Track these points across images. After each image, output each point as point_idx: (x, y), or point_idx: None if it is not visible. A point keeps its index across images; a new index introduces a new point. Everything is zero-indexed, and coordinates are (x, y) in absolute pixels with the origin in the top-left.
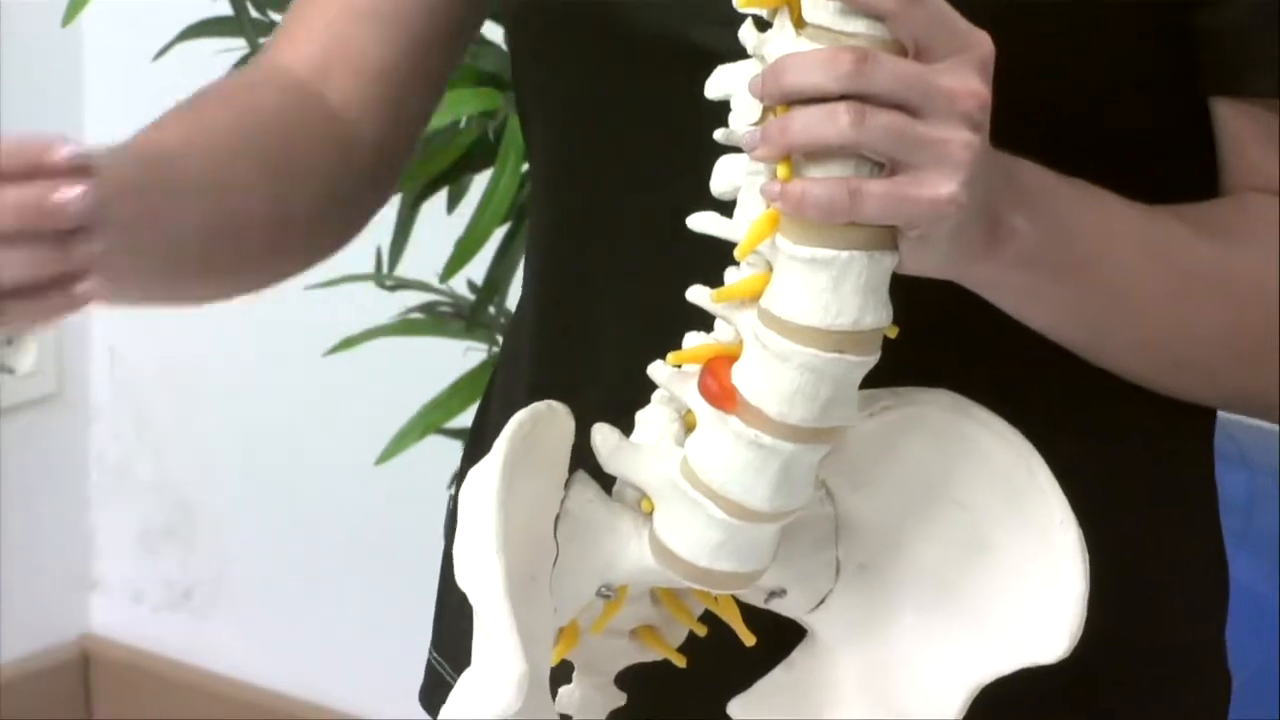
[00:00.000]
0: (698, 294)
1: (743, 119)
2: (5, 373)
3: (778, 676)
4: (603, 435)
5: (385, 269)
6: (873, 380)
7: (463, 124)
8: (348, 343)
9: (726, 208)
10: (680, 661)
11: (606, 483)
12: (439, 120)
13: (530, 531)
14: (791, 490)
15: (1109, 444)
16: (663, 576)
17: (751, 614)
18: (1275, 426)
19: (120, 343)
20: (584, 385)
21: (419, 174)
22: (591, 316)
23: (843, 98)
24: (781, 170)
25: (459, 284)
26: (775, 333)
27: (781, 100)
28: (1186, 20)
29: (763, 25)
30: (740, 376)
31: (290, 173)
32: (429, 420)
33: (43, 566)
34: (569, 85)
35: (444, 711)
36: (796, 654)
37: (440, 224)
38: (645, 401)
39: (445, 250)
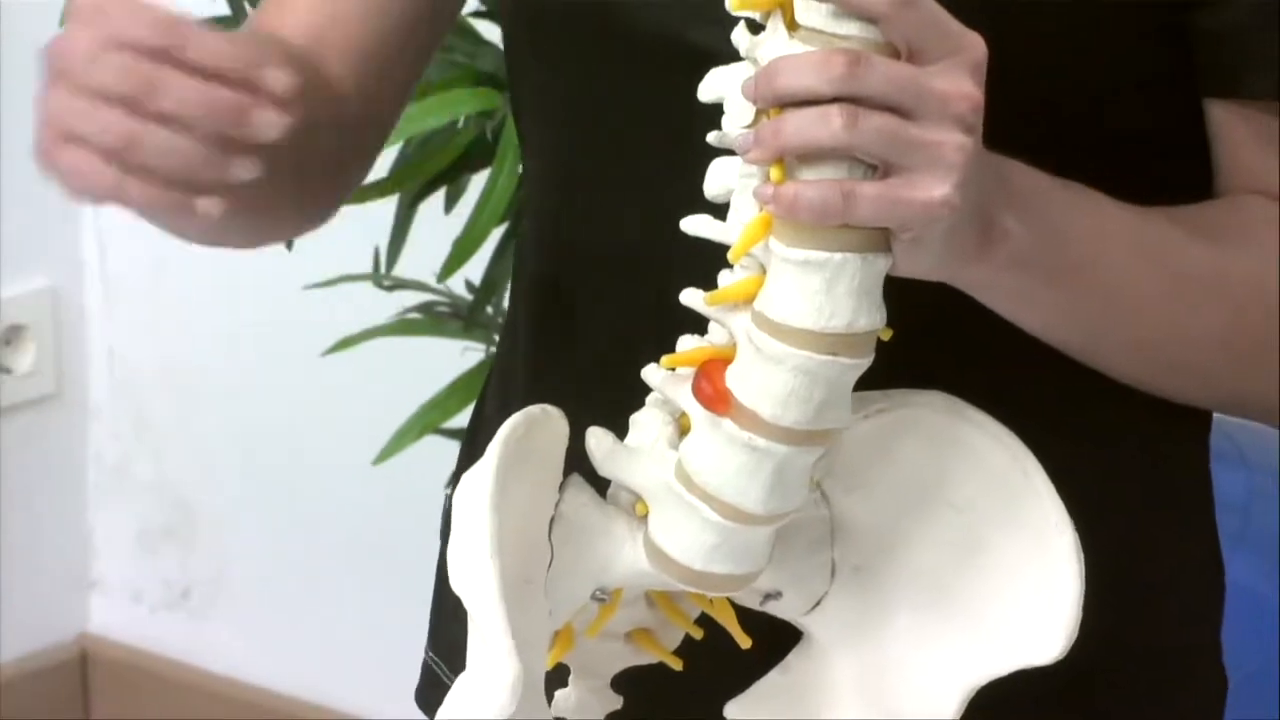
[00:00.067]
0: (691, 297)
1: (736, 121)
2: (3, 372)
3: (774, 679)
4: (597, 438)
5: (383, 269)
6: (867, 382)
7: (460, 124)
8: (346, 343)
9: (721, 210)
10: (676, 664)
11: (601, 486)
12: (437, 120)
13: (525, 535)
14: (785, 493)
15: (1104, 446)
16: (658, 579)
17: (747, 616)
18: (1271, 426)
19: (119, 343)
20: (578, 387)
21: (417, 174)
22: (585, 318)
23: (835, 100)
24: (774, 173)
25: (457, 284)
26: (769, 335)
27: (774, 103)
28: (1184, 21)
29: (756, 28)
30: (734, 379)
31: (313, 122)
32: (427, 420)
33: (41, 566)
34: (565, 85)
35: (439, 714)
36: (792, 656)
37: (438, 224)
38: (639, 404)
39: (443, 250)
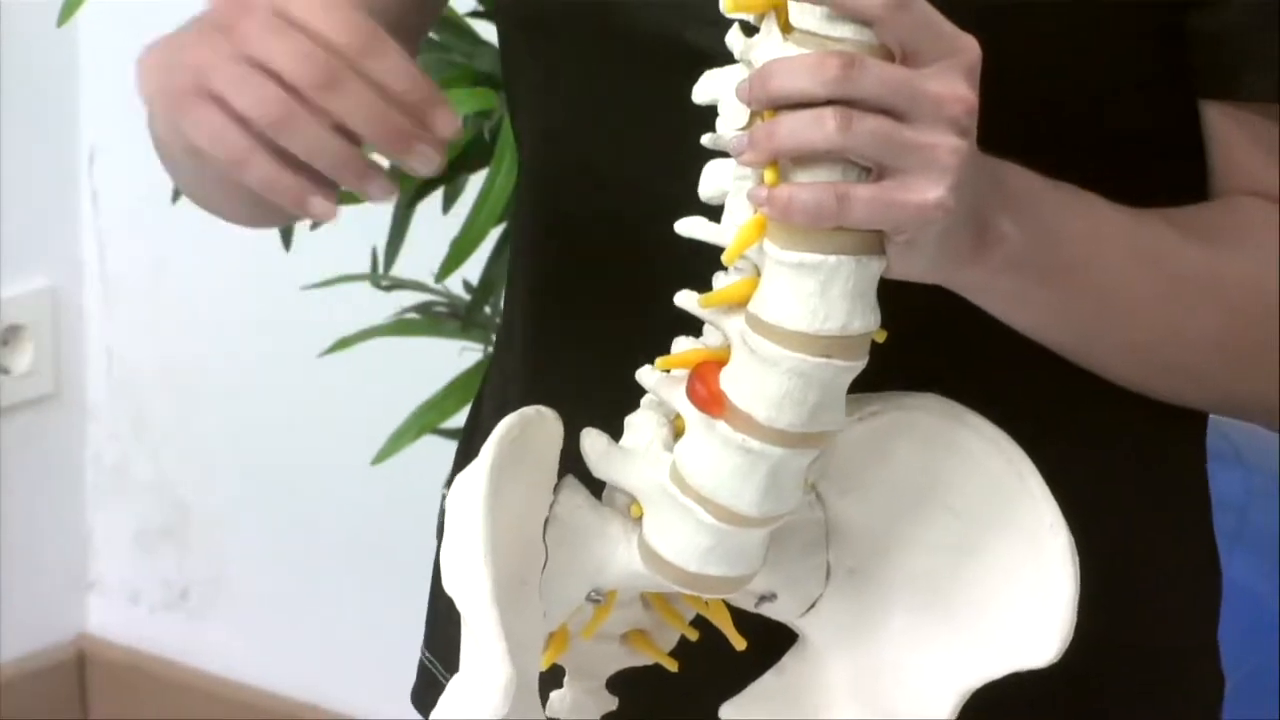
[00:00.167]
0: (686, 299)
1: (730, 124)
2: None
3: (769, 681)
4: (591, 440)
5: (381, 269)
6: (862, 384)
7: None
8: (343, 343)
9: (715, 212)
10: (671, 666)
11: (596, 487)
12: None
13: (519, 536)
14: (780, 495)
15: (1100, 447)
16: (652, 581)
17: (742, 618)
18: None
19: (117, 343)
20: (574, 388)
21: None
22: (579, 319)
23: (829, 103)
24: (769, 175)
25: (454, 284)
26: (763, 338)
27: (768, 105)
28: (1179, 22)
29: (750, 30)
30: (728, 381)
31: None
32: (425, 420)
33: (40, 567)
34: (560, 85)
35: (432, 716)
36: (787, 658)
37: (436, 224)
38: (634, 406)
39: (441, 250)
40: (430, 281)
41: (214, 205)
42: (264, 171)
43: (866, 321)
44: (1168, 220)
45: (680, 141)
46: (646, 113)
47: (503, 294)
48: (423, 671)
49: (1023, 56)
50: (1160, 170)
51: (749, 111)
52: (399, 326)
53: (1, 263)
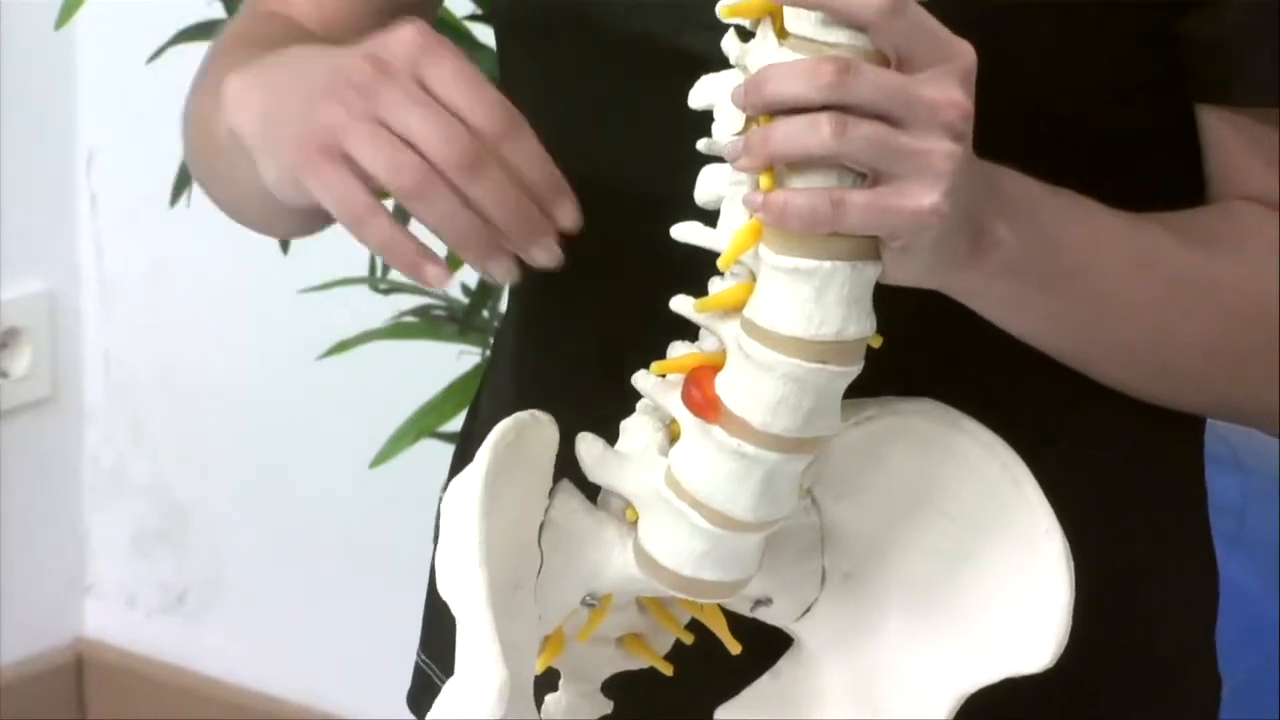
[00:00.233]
0: (681, 304)
1: (726, 129)
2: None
3: (764, 684)
4: (587, 444)
5: (379, 272)
6: (858, 389)
7: None
8: (341, 346)
9: (711, 216)
10: (667, 669)
11: (591, 492)
12: None
13: (514, 540)
14: (775, 500)
15: (1096, 452)
16: (647, 585)
17: (738, 621)
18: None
19: (115, 346)
20: (568, 393)
21: None
22: (576, 322)
23: (825, 108)
24: (764, 180)
25: (453, 288)
26: (758, 343)
27: (763, 110)
28: (1173, 26)
29: (745, 35)
30: (724, 386)
31: None
32: (423, 424)
33: (37, 570)
34: (557, 90)
35: (428, 718)
36: (783, 662)
37: None
38: (630, 410)
39: (439, 253)
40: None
41: (247, 218)
42: (384, 234)
43: (862, 327)
44: (1164, 225)
45: (676, 146)
46: (642, 117)
47: (500, 298)
48: (418, 674)
49: (1018, 61)
50: (1156, 174)
51: (744, 117)
52: (397, 330)
53: None
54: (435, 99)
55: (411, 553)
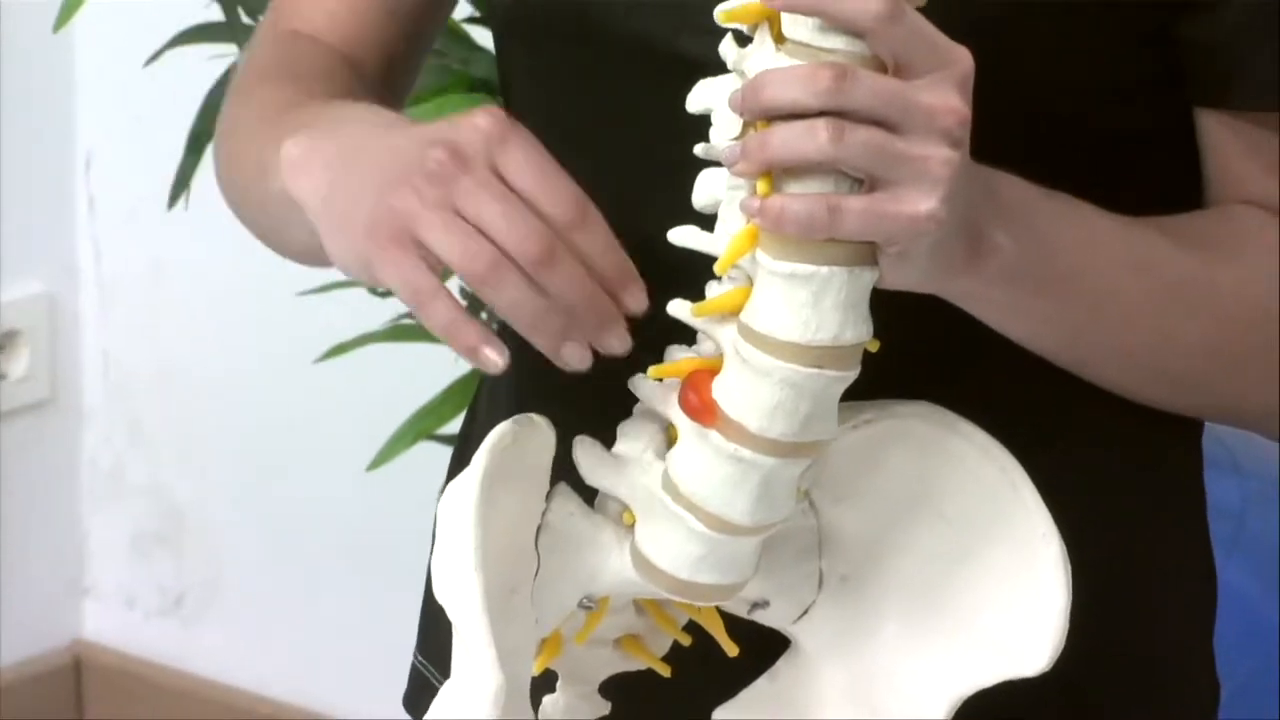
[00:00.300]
0: (679, 308)
1: (723, 133)
2: None
3: (762, 686)
4: (585, 447)
5: None
6: (855, 393)
7: None
8: (339, 349)
9: (709, 221)
10: (665, 671)
11: (588, 495)
12: None
13: (511, 543)
14: (772, 504)
15: (1095, 454)
16: (644, 588)
17: (736, 622)
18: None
19: (114, 348)
20: (567, 396)
21: None
22: None
23: (822, 114)
24: (761, 185)
25: (451, 290)
26: (755, 347)
27: (761, 115)
28: (1172, 30)
29: (743, 40)
30: (721, 391)
31: None
32: (421, 426)
33: (36, 572)
34: (555, 91)
35: None
36: (780, 664)
37: None
38: (627, 413)
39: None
40: None
41: (280, 250)
42: (446, 317)
43: (859, 332)
44: (1161, 229)
45: (674, 149)
46: (640, 120)
47: None
48: (415, 675)
49: (1017, 64)
50: (1155, 177)
51: (742, 121)
52: (395, 332)
53: None
54: (509, 187)
55: (409, 555)
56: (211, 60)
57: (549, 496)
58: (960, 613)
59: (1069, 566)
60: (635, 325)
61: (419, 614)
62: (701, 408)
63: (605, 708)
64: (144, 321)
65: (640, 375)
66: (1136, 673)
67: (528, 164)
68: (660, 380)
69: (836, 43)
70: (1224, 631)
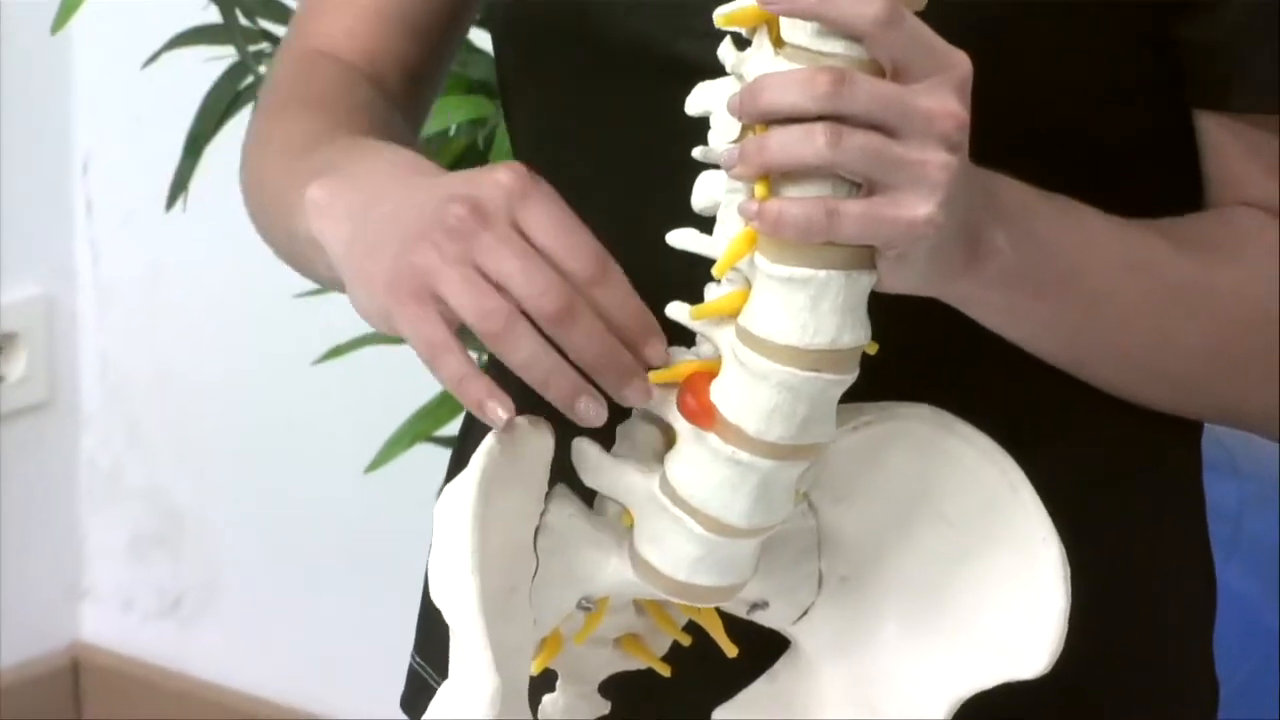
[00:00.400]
0: (677, 310)
1: (722, 136)
2: None
3: (761, 686)
4: (583, 449)
5: None
6: (855, 395)
7: (452, 132)
8: (337, 351)
9: (707, 223)
10: (664, 670)
11: (587, 496)
12: (429, 128)
13: (509, 544)
14: (770, 507)
15: (1094, 457)
16: (643, 589)
17: (736, 622)
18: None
19: (112, 350)
20: None
21: None
22: None
23: (820, 118)
24: (759, 189)
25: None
26: (753, 351)
27: (759, 119)
28: (1171, 32)
29: (742, 43)
30: (719, 394)
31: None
32: (418, 428)
33: (34, 574)
34: (554, 95)
35: None
36: (780, 665)
37: None
38: (626, 415)
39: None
40: None
41: (302, 273)
42: (457, 372)
43: (856, 336)
44: (1160, 231)
45: (672, 151)
46: (638, 122)
47: None
48: (413, 677)
49: (1016, 66)
50: (1155, 178)
51: (740, 125)
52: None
53: None
54: (530, 242)
55: (407, 557)
56: (209, 62)
57: (548, 498)
58: (959, 614)
59: (1068, 568)
60: None
61: (417, 615)
62: (699, 411)
63: (605, 707)
64: (142, 323)
65: None
66: (1136, 674)
67: (548, 220)
68: (660, 383)
69: (835, 47)
70: (1222, 633)
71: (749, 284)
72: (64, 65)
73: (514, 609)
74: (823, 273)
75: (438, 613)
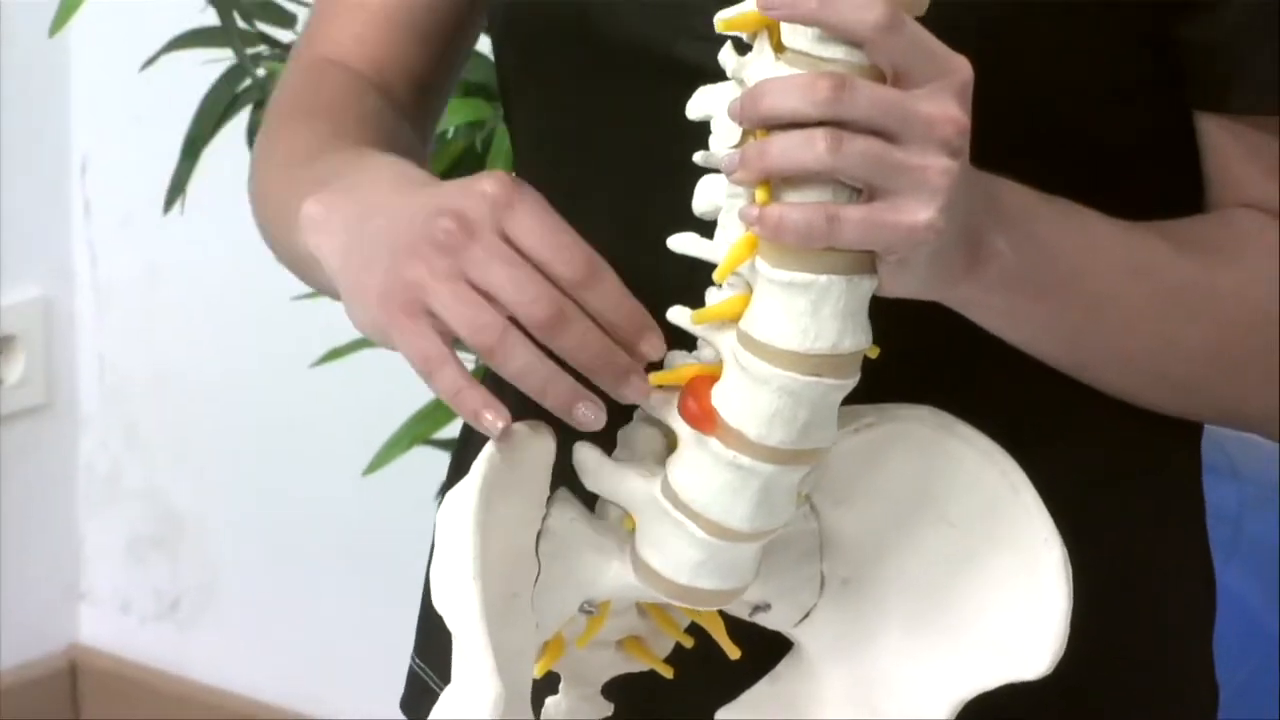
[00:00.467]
0: (678, 315)
1: (722, 141)
2: None
3: (763, 688)
4: (585, 453)
5: None
6: (856, 398)
7: (450, 134)
8: (335, 353)
9: (708, 227)
10: (667, 672)
11: (589, 501)
12: None
13: (511, 548)
14: (771, 510)
15: (1094, 459)
16: (645, 593)
17: (738, 624)
18: (1263, 437)
19: (110, 352)
20: None
21: None
22: None
23: (821, 123)
24: (760, 194)
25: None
26: (754, 355)
27: (760, 124)
28: (1171, 34)
29: (743, 48)
30: (720, 398)
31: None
32: (417, 431)
33: (32, 577)
34: (554, 96)
35: None
36: (782, 666)
37: None
38: (627, 419)
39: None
40: None
41: (303, 280)
42: (453, 383)
43: (857, 340)
44: (1161, 233)
45: (672, 154)
46: (639, 125)
47: None
48: (413, 679)
49: (1017, 68)
50: (1154, 180)
51: (741, 129)
52: None
53: None
54: (517, 249)
55: (406, 558)
56: (207, 64)
57: (550, 502)
58: (961, 615)
59: (1070, 570)
60: None
61: (417, 617)
62: (701, 415)
63: (608, 709)
64: (140, 326)
65: None
66: (1136, 675)
67: (535, 226)
68: (661, 387)
69: (835, 52)
70: (1222, 635)
71: (750, 288)
72: (62, 67)
73: (516, 613)
74: (823, 278)
75: (438, 615)
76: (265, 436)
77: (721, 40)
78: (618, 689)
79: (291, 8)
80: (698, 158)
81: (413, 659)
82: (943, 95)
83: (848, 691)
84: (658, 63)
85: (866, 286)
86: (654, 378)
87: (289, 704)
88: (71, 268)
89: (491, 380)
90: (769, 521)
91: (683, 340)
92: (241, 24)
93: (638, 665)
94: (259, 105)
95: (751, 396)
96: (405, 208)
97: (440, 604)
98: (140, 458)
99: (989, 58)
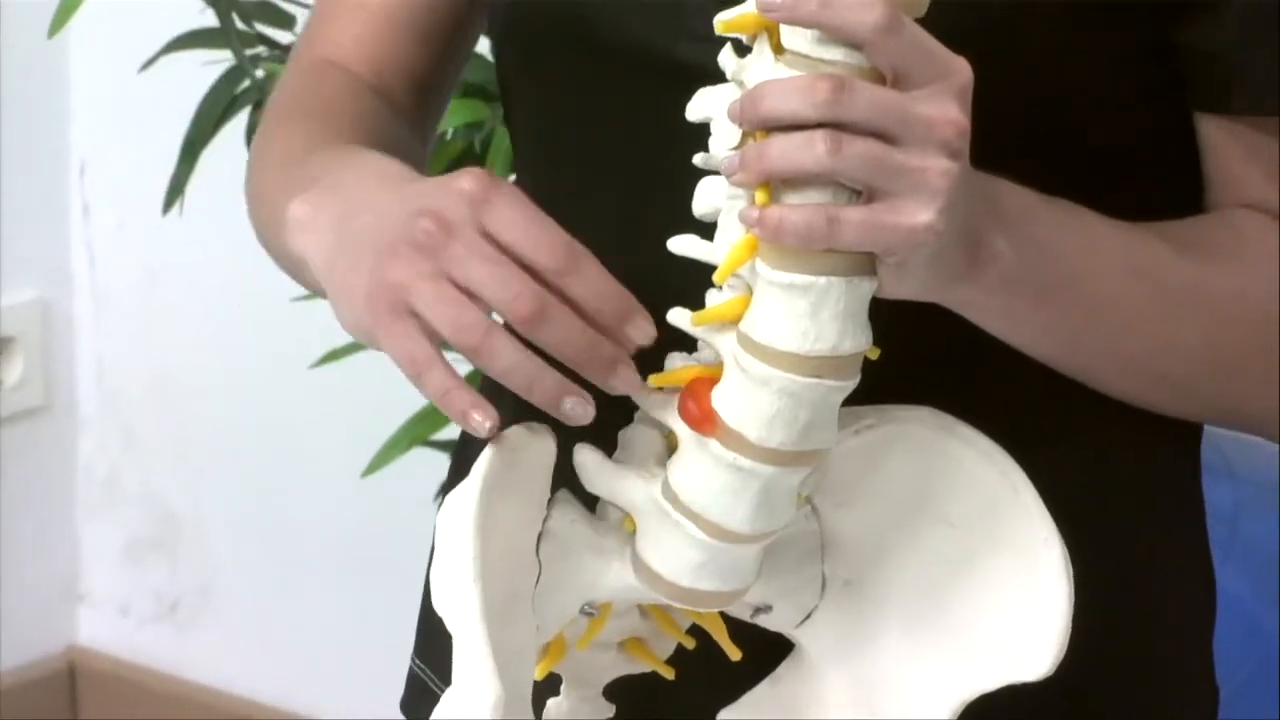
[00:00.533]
0: (678, 316)
1: (722, 143)
2: None
3: (765, 689)
4: (585, 455)
5: None
6: (856, 399)
7: (449, 135)
8: (334, 355)
9: (708, 229)
10: (668, 674)
11: (589, 502)
12: None
13: (512, 550)
14: (771, 512)
15: (1094, 460)
16: (646, 594)
17: (739, 625)
18: (1261, 438)
19: (108, 354)
20: None
21: None
22: None
23: (821, 125)
24: (760, 196)
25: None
26: (754, 357)
27: (759, 126)
28: (1172, 36)
29: (742, 50)
30: (720, 400)
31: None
32: (415, 432)
33: (31, 579)
34: (553, 99)
35: None
36: (783, 668)
37: None
38: (628, 421)
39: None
40: None
41: (305, 287)
42: (441, 384)
43: (857, 341)
44: (1161, 234)
45: (672, 155)
46: (639, 126)
47: None
48: (413, 680)
49: (1017, 70)
50: (1154, 182)
51: (741, 131)
52: None
53: None
54: (498, 244)
55: (404, 560)
56: (206, 66)
57: (550, 504)
58: (962, 617)
59: (1071, 570)
60: None
61: (416, 618)
62: (701, 417)
63: (609, 710)
64: (138, 328)
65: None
66: (1136, 676)
67: (513, 220)
68: (661, 388)
69: (835, 54)
70: (1219, 636)
71: (750, 290)
72: (61, 68)
73: (517, 615)
74: (823, 279)
75: (438, 616)
76: (264, 438)
77: (721, 42)
78: (619, 690)
79: (290, 9)
80: (697, 159)
81: (413, 660)
82: (942, 97)
83: (849, 692)
84: (657, 64)
85: (866, 288)
86: (654, 379)
87: (288, 705)
88: (70, 269)
89: (488, 381)
90: (769, 523)
91: (683, 342)
92: (240, 25)
93: (639, 667)
94: (258, 106)
95: (752, 398)
96: (389, 205)
97: (440, 606)
98: (139, 459)
99: (989, 59)
